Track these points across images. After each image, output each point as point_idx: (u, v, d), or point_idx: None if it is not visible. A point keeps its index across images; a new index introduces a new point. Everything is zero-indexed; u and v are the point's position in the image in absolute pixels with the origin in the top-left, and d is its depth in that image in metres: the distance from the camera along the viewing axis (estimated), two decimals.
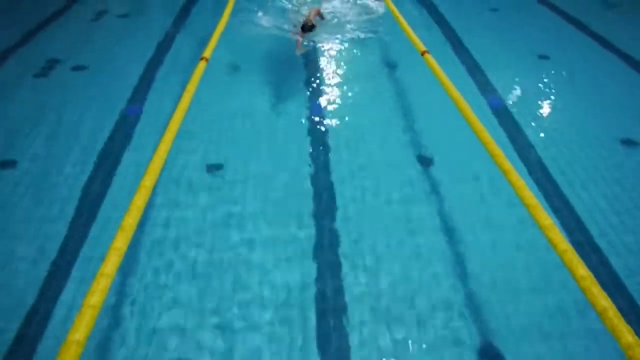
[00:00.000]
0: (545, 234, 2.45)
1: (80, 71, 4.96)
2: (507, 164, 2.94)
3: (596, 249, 3.05)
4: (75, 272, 2.83)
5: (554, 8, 6.61)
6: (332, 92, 4.62)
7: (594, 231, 3.16)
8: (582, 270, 2.24)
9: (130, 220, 2.60)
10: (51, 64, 5.09)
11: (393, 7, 5.53)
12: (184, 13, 6.28)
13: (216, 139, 3.94)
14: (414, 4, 6.62)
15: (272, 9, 6.29)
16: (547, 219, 2.51)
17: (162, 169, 3.21)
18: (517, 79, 4.94)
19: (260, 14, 6.11)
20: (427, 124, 4.13)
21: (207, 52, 4.28)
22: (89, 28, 5.97)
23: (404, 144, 3.95)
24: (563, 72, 5.12)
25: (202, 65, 4.14)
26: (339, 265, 2.93)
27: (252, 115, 4.22)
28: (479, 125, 3.28)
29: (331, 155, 3.82)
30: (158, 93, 4.52)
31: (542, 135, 4.08)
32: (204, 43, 4.85)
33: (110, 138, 3.94)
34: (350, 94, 4.59)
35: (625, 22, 6.30)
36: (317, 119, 4.21)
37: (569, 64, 5.27)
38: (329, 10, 6.33)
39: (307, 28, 5.41)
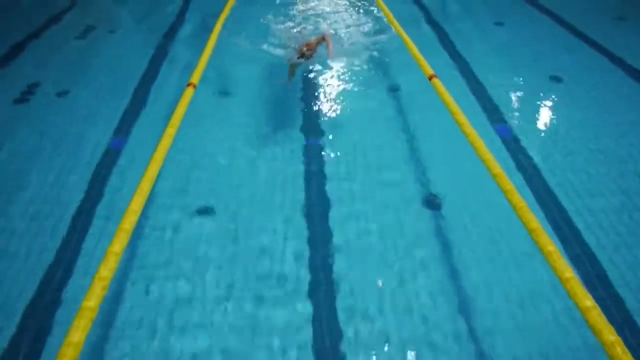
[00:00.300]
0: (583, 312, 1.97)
1: (63, 97, 4.43)
2: (535, 222, 2.44)
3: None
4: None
5: (560, 20, 6.11)
6: (331, 122, 4.08)
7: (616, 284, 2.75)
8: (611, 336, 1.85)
9: (106, 272, 2.17)
10: (32, 88, 4.57)
11: (398, 25, 4.97)
12: (174, 29, 5.73)
13: (202, 179, 3.48)
14: (414, 19, 6.11)
15: (267, 29, 5.62)
16: (586, 296, 2.03)
17: (145, 211, 2.77)
18: (528, 105, 4.43)
19: (254, 34, 5.44)
20: (436, 161, 3.67)
21: (195, 78, 3.75)
22: (75, 46, 5.43)
23: (410, 182, 3.48)
24: (576, 95, 4.62)
25: (189, 92, 3.62)
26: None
27: (242, 151, 3.74)
28: (498, 171, 2.77)
29: (329, 199, 3.35)
30: (145, 122, 4.04)
31: (554, 168, 3.61)
32: (194, 63, 4.34)
33: (94, 176, 3.48)
34: (351, 124, 4.07)
35: (635, 35, 5.80)
36: (314, 151, 3.72)
37: (581, 85, 4.78)
38: (332, 28, 5.73)
39: (305, 55, 4.62)
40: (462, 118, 3.33)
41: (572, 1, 6.78)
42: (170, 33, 5.62)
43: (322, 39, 4.91)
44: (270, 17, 5.89)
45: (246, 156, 3.67)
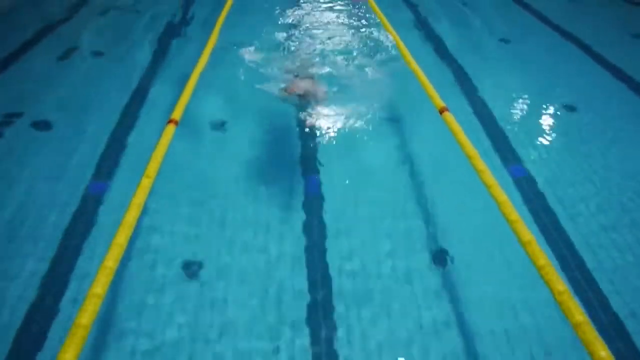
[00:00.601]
0: None
1: (42, 131, 3.84)
2: (562, 286, 1.95)
3: None
4: None
5: (568, 35, 5.58)
6: (332, 165, 3.44)
7: None
8: None
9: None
10: (9, 118, 3.97)
11: (407, 52, 4.39)
12: (165, 49, 5.15)
13: (186, 230, 2.91)
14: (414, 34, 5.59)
15: (260, 58, 4.78)
16: None
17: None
18: (542, 141, 3.85)
19: (244, 63, 4.60)
20: (449, 213, 3.09)
21: (177, 113, 3.22)
22: (56, 69, 4.83)
23: (418, 234, 2.93)
24: (592, 127, 4.08)
25: (170, 130, 3.09)
26: None
27: (230, 199, 3.14)
28: (536, 249, 2.24)
29: (328, 247, 2.82)
30: (128, 162, 3.45)
31: (572, 214, 3.08)
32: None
33: (72, 222, 2.94)
34: (355, 165, 3.48)
35: None
36: (313, 198, 3.15)
37: (597, 113, 4.26)
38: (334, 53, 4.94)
39: (304, 95, 3.87)
40: (481, 164, 2.81)
41: (582, 15, 6.25)
42: (160, 57, 5.02)
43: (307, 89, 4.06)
44: (264, 43, 5.13)
45: (236, 209, 3.09)
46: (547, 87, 4.69)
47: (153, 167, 2.68)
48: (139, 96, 4.24)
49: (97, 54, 5.16)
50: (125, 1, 6.50)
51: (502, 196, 2.54)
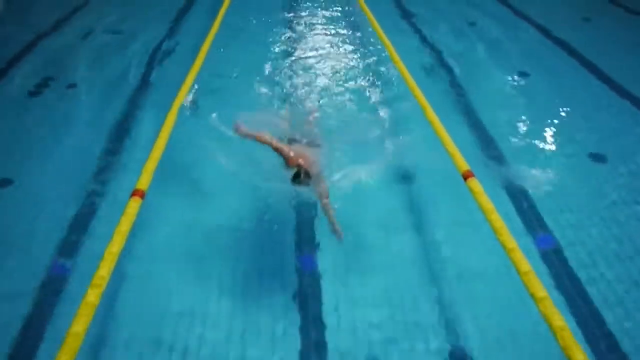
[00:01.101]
0: None
1: (5, 187, 3.09)
2: None
3: None
4: None
5: (592, 67, 4.85)
6: (333, 250, 2.65)
7: None
8: None
9: None
10: None
11: (427, 104, 3.62)
12: (142, 89, 4.29)
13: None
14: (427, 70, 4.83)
15: (247, 120, 3.38)
16: None
17: None
18: (572, 203, 3.08)
19: (223, 126, 3.32)
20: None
21: (143, 182, 2.44)
22: (28, 107, 4.05)
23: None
24: (625, 181, 3.41)
25: (134, 205, 2.33)
26: None
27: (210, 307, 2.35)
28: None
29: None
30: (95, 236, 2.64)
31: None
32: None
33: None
34: (359, 248, 2.69)
35: None
36: (311, 276, 2.45)
37: (629, 165, 3.58)
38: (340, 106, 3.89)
39: (302, 175, 2.68)
40: (518, 254, 2.10)
41: (608, 45, 5.43)
42: (138, 94, 4.22)
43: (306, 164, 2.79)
44: (253, 94, 3.99)
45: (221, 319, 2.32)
46: (570, 130, 3.95)
47: (103, 272, 1.92)
48: (116, 141, 3.47)
49: (71, 86, 4.37)
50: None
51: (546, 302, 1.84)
